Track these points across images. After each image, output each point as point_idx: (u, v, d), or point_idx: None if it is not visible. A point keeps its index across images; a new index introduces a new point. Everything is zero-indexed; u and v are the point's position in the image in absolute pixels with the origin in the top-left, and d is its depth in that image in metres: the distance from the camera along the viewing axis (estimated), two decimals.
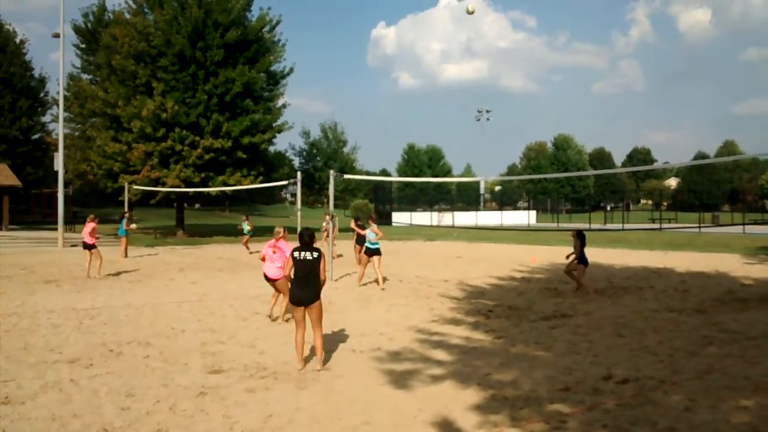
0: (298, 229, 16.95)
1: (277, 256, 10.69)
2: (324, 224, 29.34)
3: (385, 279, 15.88)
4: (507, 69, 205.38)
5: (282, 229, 11.17)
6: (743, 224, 36.93)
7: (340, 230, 24.92)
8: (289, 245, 10.53)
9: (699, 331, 9.89)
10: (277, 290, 10.86)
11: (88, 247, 17.35)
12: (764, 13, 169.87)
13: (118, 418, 5.86)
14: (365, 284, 15.71)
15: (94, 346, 8.91)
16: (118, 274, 18.23)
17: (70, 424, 5.69)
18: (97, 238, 18.11)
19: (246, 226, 27.03)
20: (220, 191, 35.55)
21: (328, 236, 17.81)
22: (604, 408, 6.14)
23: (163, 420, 5.82)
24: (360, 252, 18.10)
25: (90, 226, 17.71)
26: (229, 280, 16.67)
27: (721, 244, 28.49)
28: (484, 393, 6.63)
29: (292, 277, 7.84)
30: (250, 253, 25.15)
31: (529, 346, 8.95)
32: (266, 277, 10.88)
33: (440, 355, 8.40)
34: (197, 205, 73.96)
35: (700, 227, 37.72)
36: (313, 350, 8.03)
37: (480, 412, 6.03)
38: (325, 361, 7.97)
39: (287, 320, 10.54)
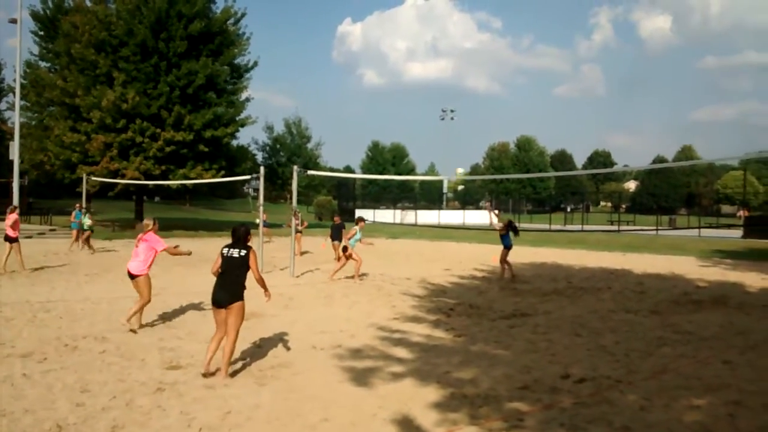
0: (260, 225, 16.92)
1: (141, 249, 9.48)
2: (257, 221, 29.04)
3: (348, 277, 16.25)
4: (471, 69, 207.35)
5: (152, 221, 9.79)
6: (699, 228, 37.77)
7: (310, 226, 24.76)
8: (158, 238, 9.66)
9: (654, 332, 10.08)
10: (137, 289, 9.59)
11: (10, 240, 16.33)
12: (722, 23, 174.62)
13: (72, 414, 5.73)
14: (357, 277, 16.11)
15: (48, 340, 8.71)
16: (46, 267, 17.87)
17: (21, 420, 5.55)
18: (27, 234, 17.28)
19: (87, 221, 23.40)
20: (181, 185, 35.07)
21: (294, 232, 17.65)
22: (562, 407, 6.22)
23: (119, 416, 5.72)
24: (338, 248, 19.47)
25: (11, 217, 16.62)
26: (187, 274, 16.45)
27: (677, 246, 29.11)
28: (443, 391, 6.66)
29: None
30: (92, 252, 22.46)
31: (488, 344, 9.02)
32: (129, 274, 9.61)
33: (401, 352, 8.42)
34: (157, 198, 72.81)
35: (657, 230, 38.54)
36: (224, 355, 7.13)
37: (439, 410, 6.05)
38: (285, 356, 7.93)
39: (140, 327, 9.51)
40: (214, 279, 7.31)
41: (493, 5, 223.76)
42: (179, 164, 35.14)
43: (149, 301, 9.66)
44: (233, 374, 7.14)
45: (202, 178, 33.68)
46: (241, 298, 7.08)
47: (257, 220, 26.71)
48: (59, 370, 7.18)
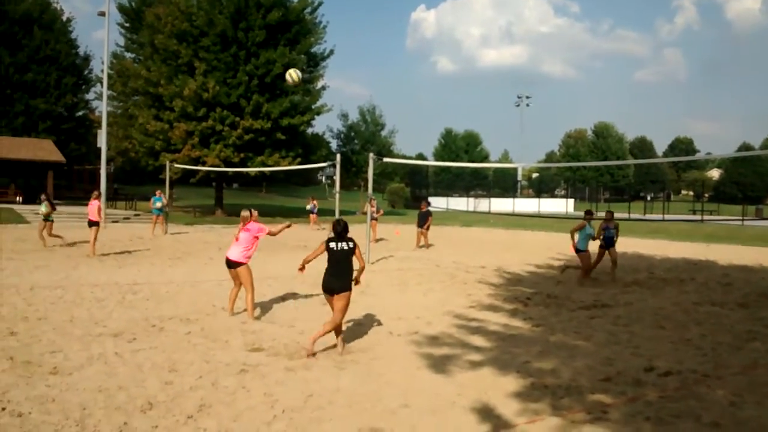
0: (336, 212, 17.11)
1: (243, 238, 9.32)
2: (308, 207, 29.12)
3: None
4: (547, 54, 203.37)
5: (249, 212, 9.56)
6: None
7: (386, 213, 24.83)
8: (260, 225, 9.48)
9: (743, 325, 9.69)
10: (237, 280, 9.48)
11: (93, 224, 17.08)
12: None
13: (161, 392, 5.96)
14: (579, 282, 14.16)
15: (136, 320, 9.07)
16: (132, 251, 18.50)
17: (116, 396, 5.80)
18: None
19: (43, 209, 18.81)
20: (259, 172, 35.81)
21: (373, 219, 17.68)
22: (647, 400, 6.06)
23: (205, 395, 5.90)
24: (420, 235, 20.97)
25: (95, 204, 17.44)
26: (267, 260, 16.78)
27: (765, 238, 27.81)
28: (523, 381, 6.59)
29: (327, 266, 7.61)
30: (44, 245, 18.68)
31: (568, 335, 8.87)
32: (228, 262, 9.43)
33: (478, 341, 8.38)
34: (235, 185, 74.67)
35: (743, 220, 37.00)
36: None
37: (520, 400, 5.99)
38: (363, 342, 8.08)
39: (257, 318, 9.45)
40: (294, 263, 7.48)
41: None
42: (257, 152, 35.90)
43: (254, 288, 9.55)
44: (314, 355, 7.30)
45: (279, 166, 34.29)
46: (351, 287, 7.65)
47: (308, 206, 27.01)
48: (148, 350, 7.47)
